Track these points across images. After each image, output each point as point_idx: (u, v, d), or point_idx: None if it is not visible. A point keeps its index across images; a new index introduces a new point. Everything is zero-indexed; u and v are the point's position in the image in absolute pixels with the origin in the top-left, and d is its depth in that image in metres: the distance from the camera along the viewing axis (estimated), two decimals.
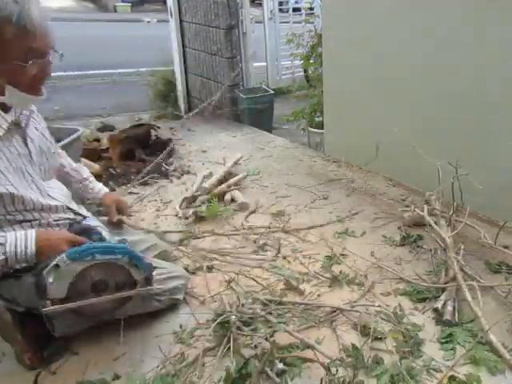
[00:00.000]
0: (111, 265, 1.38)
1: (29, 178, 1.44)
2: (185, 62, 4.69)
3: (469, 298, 1.60)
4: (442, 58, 2.34)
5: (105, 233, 1.61)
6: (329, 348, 1.50)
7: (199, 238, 2.26)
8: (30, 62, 1.29)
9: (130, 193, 2.81)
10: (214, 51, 4.21)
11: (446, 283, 1.76)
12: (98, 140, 3.45)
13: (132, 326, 1.59)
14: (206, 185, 2.63)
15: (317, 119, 3.81)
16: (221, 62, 4.18)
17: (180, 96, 4.87)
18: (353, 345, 1.48)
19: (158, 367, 1.47)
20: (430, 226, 2.00)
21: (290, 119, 4.07)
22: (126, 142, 3.25)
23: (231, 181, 2.76)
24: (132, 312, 1.56)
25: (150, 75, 5.40)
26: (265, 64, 5.36)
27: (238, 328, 1.53)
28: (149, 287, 1.46)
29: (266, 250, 2.13)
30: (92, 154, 3.19)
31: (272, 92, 4.29)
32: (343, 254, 2.06)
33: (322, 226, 2.31)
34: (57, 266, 1.30)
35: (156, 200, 2.72)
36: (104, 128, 3.93)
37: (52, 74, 1.40)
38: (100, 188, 1.85)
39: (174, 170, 3.12)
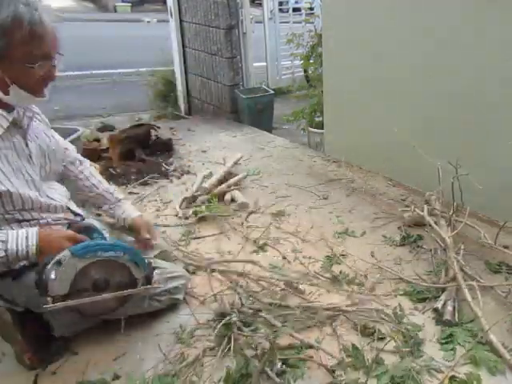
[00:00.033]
0: (112, 263, 1.39)
1: (28, 178, 1.44)
2: (185, 62, 4.69)
3: (469, 298, 1.60)
4: (442, 58, 2.34)
5: (105, 232, 1.61)
6: (329, 348, 1.50)
7: (199, 238, 2.26)
8: (38, 65, 1.31)
9: (130, 193, 2.81)
10: (214, 51, 4.21)
11: (445, 283, 1.76)
12: (98, 140, 3.45)
13: (132, 325, 1.59)
14: (206, 185, 2.63)
15: (317, 119, 3.81)
16: (221, 62, 4.18)
17: (180, 96, 4.87)
18: (353, 345, 1.48)
19: (157, 367, 1.47)
20: (430, 226, 2.00)
21: (290, 119, 4.07)
22: (126, 142, 3.26)
23: (231, 181, 2.76)
24: (132, 312, 1.56)
25: (150, 75, 5.40)
26: (265, 64, 5.36)
27: (239, 328, 1.53)
28: (149, 286, 1.46)
29: (266, 251, 2.13)
30: (92, 153, 3.19)
31: (272, 92, 4.29)
32: (343, 254, 2.06)
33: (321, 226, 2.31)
34: (59, 262, 1.31)
35: (156, 200, 2.72)
36: (104, 128, 3.93)
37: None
38: (131, 210, 1.81)
39: (174, 170, 3.12)
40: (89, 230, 1.54)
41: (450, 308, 1.62)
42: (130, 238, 1.76)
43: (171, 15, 4.53)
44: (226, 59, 4.12)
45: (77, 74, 6.72)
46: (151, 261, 1.54)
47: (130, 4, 16.26)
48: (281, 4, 6.10)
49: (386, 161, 2.79)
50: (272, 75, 5.47)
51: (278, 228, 2.33)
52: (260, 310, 1.63)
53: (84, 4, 16.35)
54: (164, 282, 1.65)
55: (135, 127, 3.48)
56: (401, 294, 1.77)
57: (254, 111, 4.10)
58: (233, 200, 2.62)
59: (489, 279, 1.81)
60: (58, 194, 1.58)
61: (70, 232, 1.45)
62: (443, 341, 1.52)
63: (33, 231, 1.35)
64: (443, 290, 1.73)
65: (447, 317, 1.59)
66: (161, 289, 1.64)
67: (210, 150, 3.49)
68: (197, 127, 4.10)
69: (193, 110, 4.85)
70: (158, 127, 3.60)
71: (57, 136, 1.67)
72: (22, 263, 1.42)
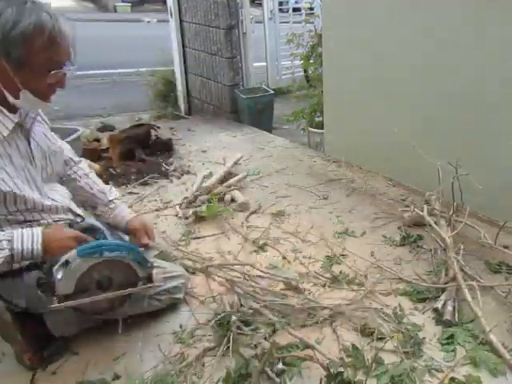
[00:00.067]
0: (116, 262, 1.39)
1: (30, 179, 1.45)
2: (185, 62, 4.69)
3: (469, 298, 1.60)
4: (442, 58, 2.34)
5: (107, 232, 1.61)
6: (329, 348, 1.50)
7: (199, 238, 2.26)
8: (52, 72, 1.34)
9: (130, 193, 2.81)
10: (214, 51, 4.21)
11: (446, 283, 1.76)
12: (98, 140, 3.46)
13: (132, 325, 1.59)
14: (206, 185, 2.63)
15: (317, 119, 3.81)
16: (221, 62, 4.18)
17: (180, 96, 4.87)
18: (353, 345, 1.48)
19: (157, 367, 1.47)
20: (430, 225, 2.00)
21: (290, 119, 4.07)
22: (126, 142, 3.26)
23: (231, 181, 2.76)
24: (132, 312, 1.56)
25: (150, 75, 5.40)
26: (265, 64, 5.36)
27: (238, 328, 1.53)
28: (150, 284, 1.47)
29: (266, 251, 2.13)
30: (92, 153, 3.19)
31: (272, 92, 4.28)
32: (343, 254, 2.06)
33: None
34: (67, 262, 1.31)
35: (156, 200, 2.72)
36: (104, 128, 3.93)
37: None
38: (126, 212, 1.80)
39: (174, 170, 3.12)
40: (91, 230, 1.55)
41: (450, 308, 1.62)
42: (127, 238, 1.75)
43: (171, 15, 4.53)
44: (226, 59, 4.12)
45: (77, 74, 6.71)
46: (152, 260, 1.54)
47: (129, 4, 16.26)
48: (281, 4, 6.10)
49: (385, 161, 2.79)
50: (272, 75, 5.47)
51: (278, 228, 2.33)
52: (259, 310, 1.63)
53: (84, 4, 16.35)
54: (163, 282, 1.65)
55: (135, 127, 3.48)
56: (401, 294, 1.78)
57: (254, 111, 4.10)
58: (233, 200, 2.61)
59: (489, 279, 1.81)
60: (59, 195, 1.58)
61: (75, 232, 1.46)
62: (444, 341, 1.52)
63: (38, 231, 1.36)
64: (443, 290, 1.73)
65: (447, 317, 1.59)
66: (160, 288, 1.64)
67: (209, 150, 3.49)
68: (197, 127, 4.10)
69: (193, 110, 4.85)
70: (158, 127, 3.60)
71: (55, 136, 1.67)
72: (23, 263, 1.42)
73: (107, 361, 1.51)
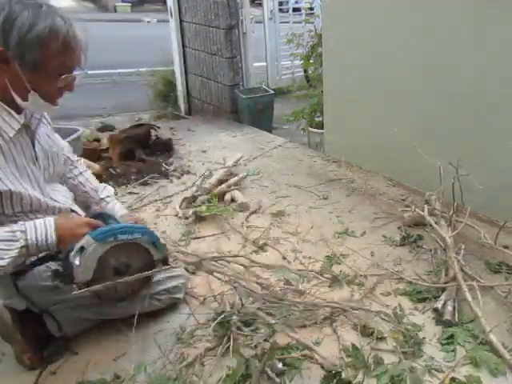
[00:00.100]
0: (132, 245, 1.40)
1: (33, 180, 1.45)
2: (185, 62, 4.69)
3: (469, 298, 1.60)
4: (442, 58, 2.34)
5: (118, 218, 1.62)
6: (329, 348, 1.51)
7: (199, 238, 2.26)
8: (63, 76, 1.35)
9: (130, 193, 2.81)
10: (214, 51, 4.21)
11: (446, 283, 1.76)
12: (98, 140, 3.45)
13: (132, 325, 1.59)
14: (206, 185, 2.63)
15: (317, 119, 3.81)
16: (221, 62, 4.18)
17: (180, 96, 4.87)
18: (353, 345, 1.48)
19: (157, 367, 1.46)
20: (431, 225, 2.00)
21: (290, 119, 4.07)
22: (126, 142, 3.25)
23: (231, 181, 2.76)
24: (133, 312, 1.56)
25: (150, 75, 5.40)
26: (265, 64, 5.36)
27: (238, 328, 1.53)
28: (168, 266, 1.49)
29: (266, 251, 2.13)
30: (92, 153, 3.19)
31: (272, 92, 4.28)
32: (343, 254, 2.06)
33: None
34: (82, 248, 1.32)
35: (156, 200, 2.72)
36: (104, 128, 3.93)
37: None
38: (118, 209, 1.79)
39: (174, 170, 3.12)
40: (102, 217, 1.55)
41: (450, 308, 1.62)
42: None
43: (171, 15, 4.53)
44: (226, 59, 4.12)
45: (77, 74, 6.71)
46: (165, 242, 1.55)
47: (130, 4, 16.27)
48: (281, 4, 6.10)
49: (386, 161, 2.79)
50: (272, 75, 5.47)
51: (278, 228, 2.33)
52: (260, 309, 1.63)
53: (84, 4, 16.34)
54: (164, 282, 1.65)
55: (135, 127, 3.48)
56: (401, 294, 1.78)
57: (254, 111, 4.10)
58: (233, 200, 2.61)
59: (489, 279, 1.81)
60: (61, 195, 1.58)
61: (86, 218, 1.47)
62: (444, 341, 1.52)
63: (50, 220, 1.36)
64: (443, 290, 1.73)
65: (447, 317, 1.59)
66: (160, 288, 1.64)
67: (209, 150, 3.49)
68: (197, 127, 4.10)
69: (193, 110, 4.85)
70: (158, 127, 3.60)
71: (57, 136, 1.68)
72: (32, 258, 1.42)
73: (107, 361, 1.51)
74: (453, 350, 1.48)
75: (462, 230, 1.98)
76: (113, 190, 1.83)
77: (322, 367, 1.32)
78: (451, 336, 1.53)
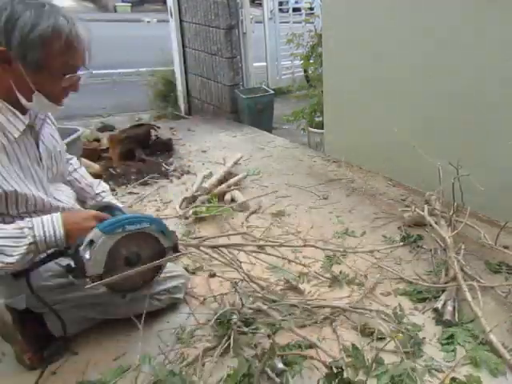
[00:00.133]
0: (141, 235, 1.39)
1: (37, 180, 1.45)
2: (185, 62, 4.70)
3: (469, 298, 1.60)
4: (442, 58, 2.34)
5: (124, 209, 1.62)
6: (329, 348, 1.50)
7: (199, 238, 2.26)
8: (67, 76, 1.34)
9: (130, 193, 2.81)
10: (214, 51, 4.21)
11: (446, 283, 1.76)
12: (98, 140, 3.46)
13: (132, 325, 1.59)
14: (206, 185, 2.63)
15: (317, 119, 3.82)
16: (221, 61, 4.18)
17: (180, 96, 4.88)
18: (353, 345, 1.48)
19: (157, 367, 1.46)
20: (431, 225, 2.00)
21: (290, 119, 4.07)
22: (126, 142, 3.26)
23: (231, 181, 2.76)
24: (135, 312, 1.56)
25: (150, 75, 5.40)
26: (265, 64, 5.37)
27: (239, 328, 1.53)
28: (178, 253, 1.48)
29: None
30: (92, 153, 3.19)
31: (272, 92, 4.29)
32: (343, 254, 2.06)
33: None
34: (91, 241, 1.31)
35: (156, 200, 2.72)
36: (104, 128, 3.93)
37: None
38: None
39: (174, 170, 3.12)
40: (108, 209, 1.55)
41: (450, 308, 1.62)
42: None
43: (171, 15, 4.53)
44: (226, 59, 4.12)
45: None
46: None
47: (129, 4, 16.28)
48: (281, 4, 6.11)
49: (386, 161, 2.79)
50: (272, 75, 5.48)
51: (278, 228, 2.33)
52: (260, 310, 1.63)
53: (84, 4, 16.34)
54: (164, 281, 1.65)
55: (135, 127, 3.48)
56: (401, 294, 1.78)
57: (254, 111, 4.10)
58: (233, 200, 2.62)
59: (489, 279, 1.81)
60: (64, 195, 1.58)
61: (93, 211, 1.46)
62: (444, 341, 1.52)
63: (56, 215, 1.35)
64: (443, 290, 1.73)
65: (447, 317, 1.59)
66: (160, 288, 1.64)
67: (209, 150, 3.49)
68: (197, 127, 4.10)
69: (193, 110, 4.85)
70: (158, 127, 3.61)
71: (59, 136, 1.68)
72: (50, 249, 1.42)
73: (107, 361, 1.51)
74: (453, 350, 1.48)
75: (462, 230, 1.98)
76: (108, 186, 1.83)
77: (326, 366, 1.32)
78: (451, 336, 1.53)
